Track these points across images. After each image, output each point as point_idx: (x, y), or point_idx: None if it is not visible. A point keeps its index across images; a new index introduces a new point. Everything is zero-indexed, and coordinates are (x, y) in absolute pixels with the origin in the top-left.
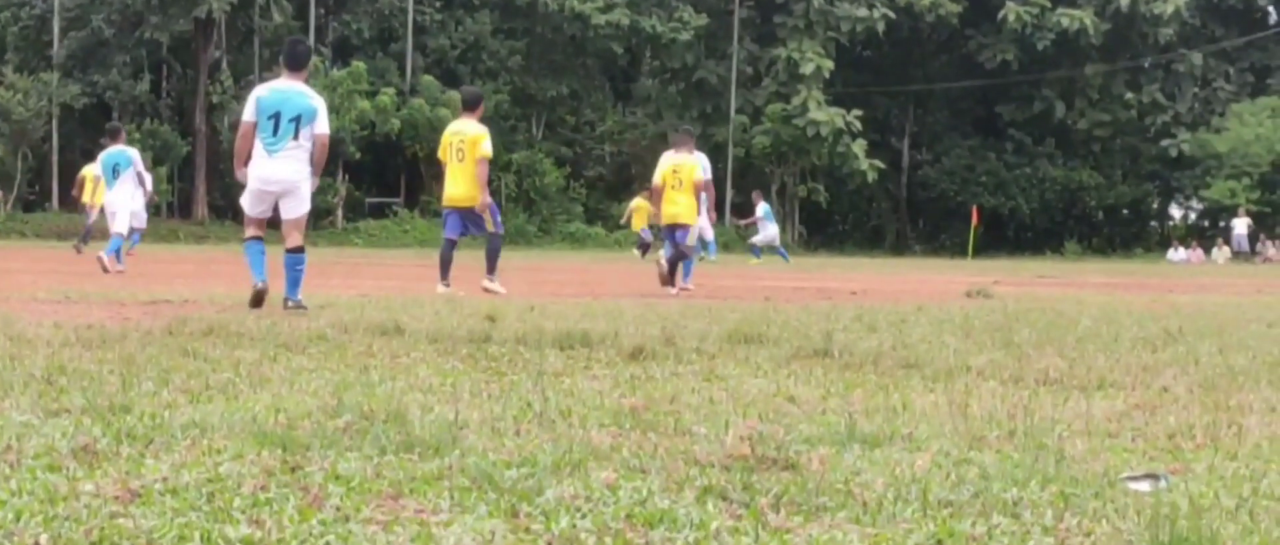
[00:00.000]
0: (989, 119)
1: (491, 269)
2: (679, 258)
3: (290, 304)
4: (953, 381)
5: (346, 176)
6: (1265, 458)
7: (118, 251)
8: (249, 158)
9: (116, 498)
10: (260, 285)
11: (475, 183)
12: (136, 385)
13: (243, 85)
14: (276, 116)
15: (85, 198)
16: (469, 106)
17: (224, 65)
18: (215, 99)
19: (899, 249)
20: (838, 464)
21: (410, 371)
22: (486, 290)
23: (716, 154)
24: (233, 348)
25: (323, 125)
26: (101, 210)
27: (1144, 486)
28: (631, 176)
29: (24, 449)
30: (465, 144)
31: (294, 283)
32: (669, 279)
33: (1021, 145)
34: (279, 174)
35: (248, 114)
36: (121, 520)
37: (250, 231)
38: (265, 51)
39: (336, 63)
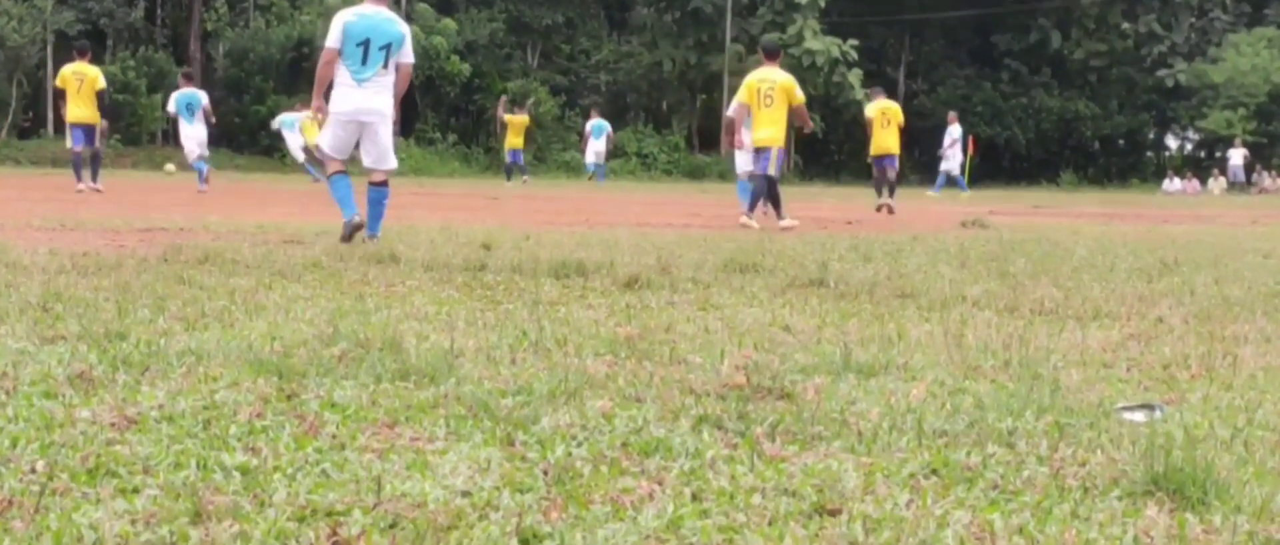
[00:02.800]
0: (985, 49)
1: (752, 207)
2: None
3: (369, 238)
4: (948, 311)
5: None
6: (1260, 388)
7: (203, 174)
8: (329, 88)
9: (113, 424)
10: (356, 219)
11: (782, 125)
12: (132, 313)
13: (237, 12)
14: (366, 44)
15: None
16: (771, 55)
17: None
18: (210, 27)
19: (897, 179)
20: (833, 393)
21: (406, 300)
22: (743, 225)
23: (712, 83)
24: (228, 276)
25: (409, 54)
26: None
27: (1139, 417)
28: (627, 105)
29: (20, 376)
30: (775, 90)
31: (377, 218)
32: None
33: (1017, 75)
34: (369, 104)
35: (332, 40)
36: (118, 447)
37: (334, 167)
38: None
39: None
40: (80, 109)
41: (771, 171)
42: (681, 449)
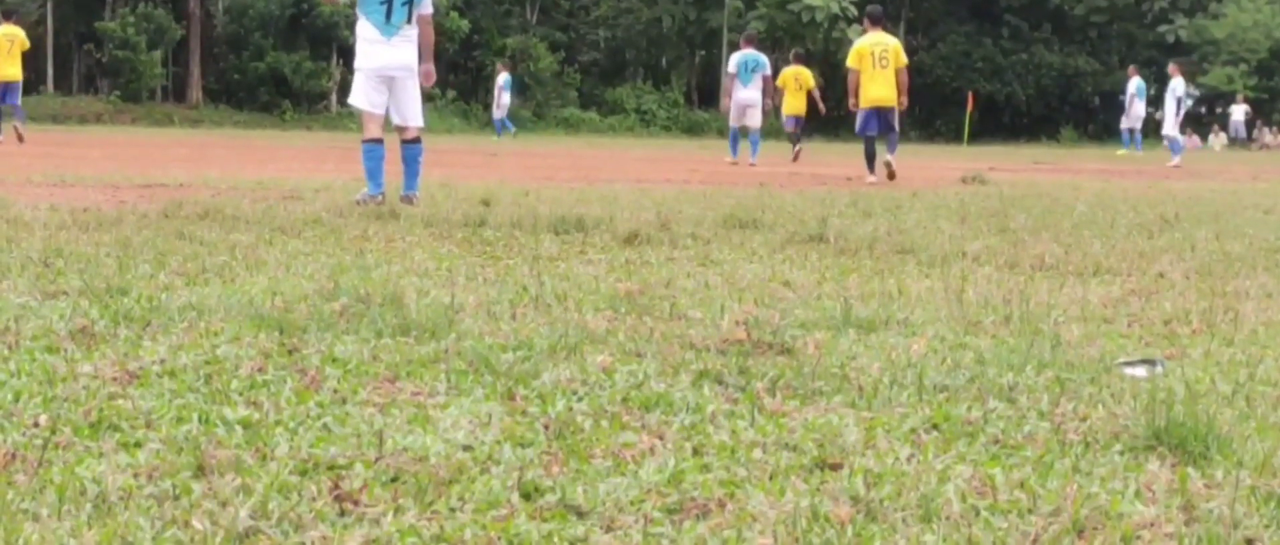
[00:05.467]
0: (985, 4)
1: (872, 167)
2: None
3: (407, 197)
4: (948, 267)
5: (340, 60)
6: (1261, 343)
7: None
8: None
9: (114, 379)
10: (379, 197)
11: (895, 87)
12: (133, 268)
13: None
14: (389, 1)
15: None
16: (877, 21)
17: None
18: None
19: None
20: (833, 348)
21: (406, 256)
22: (870, 183)
23: (711, 40)
24: (229, 231)
25: (428, 4)
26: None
27: (1140, 372)
28: (626, 61)
29: (22, 331)
30: (889, 53)
31: (414, 175)
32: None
33: (1018, 31)
34: (398, 59)
35: None
36: (120, 401)
37: (372, 131)
38: None
39: None
40: (10, 68)
41: (895, 125)
42: (682, 404)
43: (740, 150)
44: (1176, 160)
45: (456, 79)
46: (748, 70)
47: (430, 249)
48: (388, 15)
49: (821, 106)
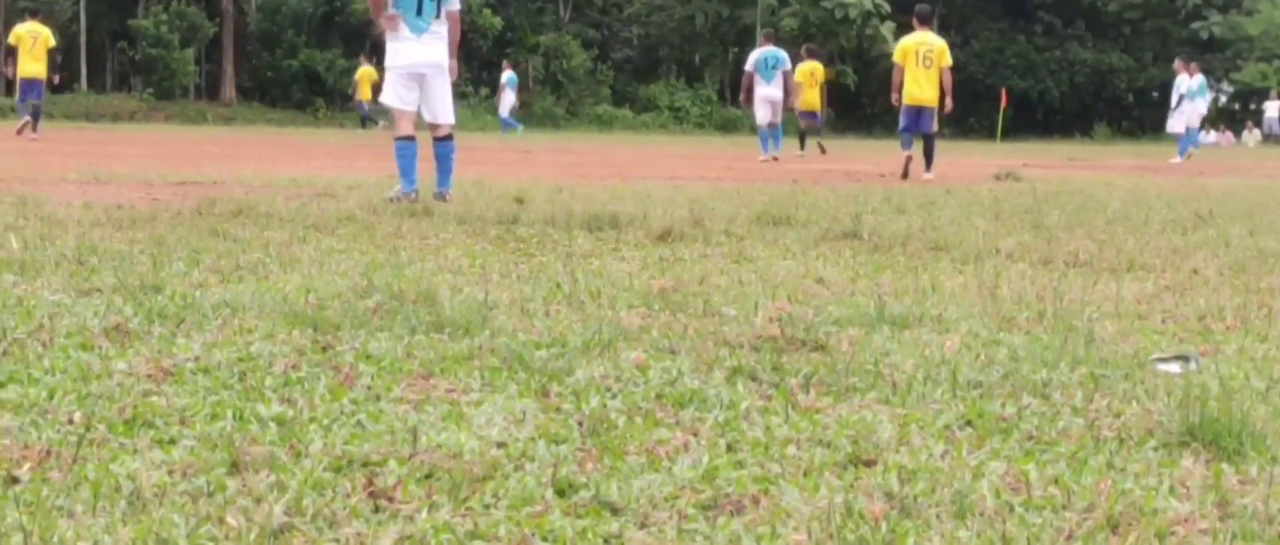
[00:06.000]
0: (1019, 1)
1: (929, 166)
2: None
3: (440, 194)
4: (982, 263)
5: (375, 59)
6: None
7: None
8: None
9: (149, 376)
10: (412, 194)
11: (937, 86)
12: (167, 265)
13: None
14: None
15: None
16: (924, 20)
17: None
18: None
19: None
20: (867, 345)
21: (439, 253)
22: (927, 180)
23: (745, 37)
24: (262, 228)
25: (457, 1)
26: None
27: (1174, 368)
28: (659, 58)
29: (56, 328)
30: (933, 53)
31: (447, 172)
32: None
33: (1051, 27)
34: (429, 56)
35: None
36: (154, 398)
37: (405, 129)
38: None
39: None
40: (34, 65)
41: (934, 128)
42: (716, 400)
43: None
44: (1180, 158)
45: (489, 77)
46: (768, 67)
47: (464, 246)
48: (418, 10)
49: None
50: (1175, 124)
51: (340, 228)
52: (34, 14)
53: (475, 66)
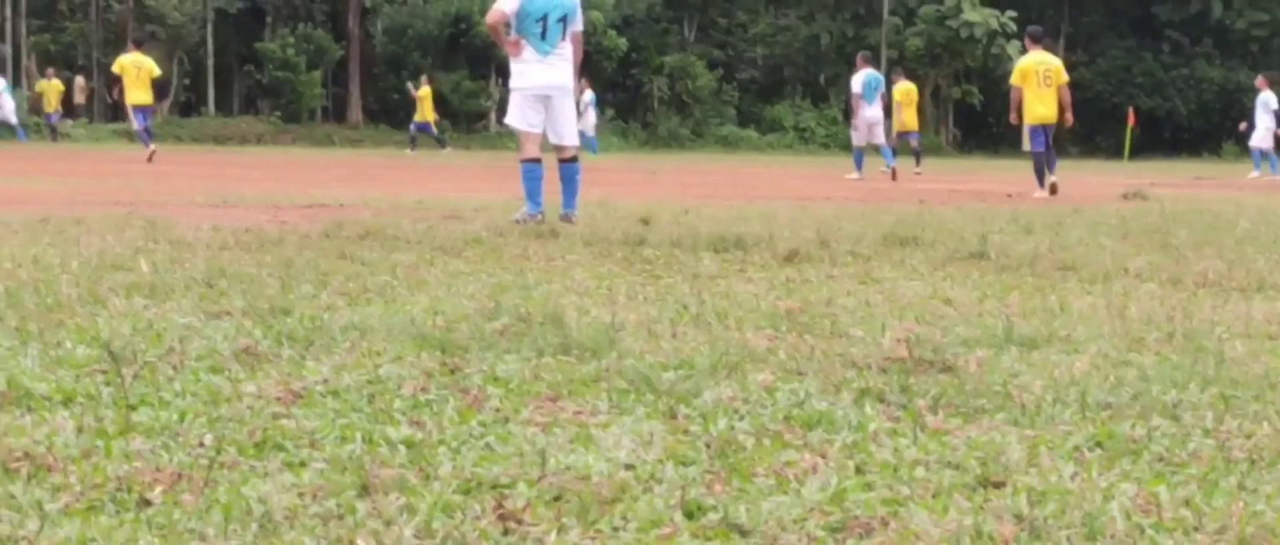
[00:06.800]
0: (1145, 19)
1: (1042, 181)
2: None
3: (566, 215)
4: (1110, 283)
5: (499, 80)
6: None
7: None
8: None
9: (278, 399)
10: (539, 216)
11: (1059, 105)
12: (295, 288)
13: None
14: (545, 19)
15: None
16: (1037, 40)
17: None
18: (368, 3)
19: (1055, 150)
20: (995, 366)
21: (566, 274)
22: (1037, 198)
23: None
24: (390, 251)
25: (581, 21)
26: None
27: None
28: (784, 79)
29: (187, 351)
30: (1052, 72)
31: (573, 194)
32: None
33: (1178, 46)
34: (555, 78)
35: (507, 5)
36: (284, 421)
37: (531, 151)
38: None
39: None
40: (142, 93)
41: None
42: (844, 422)
43: (866, 165)
44: (1258, 173)
45: (614, 97)
46: (872, 90)
47: (590, 267)
48: (543, 34)
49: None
50: (1260, 139)
51: (467, 250)
52: (138, 44)
53: (601, 87)
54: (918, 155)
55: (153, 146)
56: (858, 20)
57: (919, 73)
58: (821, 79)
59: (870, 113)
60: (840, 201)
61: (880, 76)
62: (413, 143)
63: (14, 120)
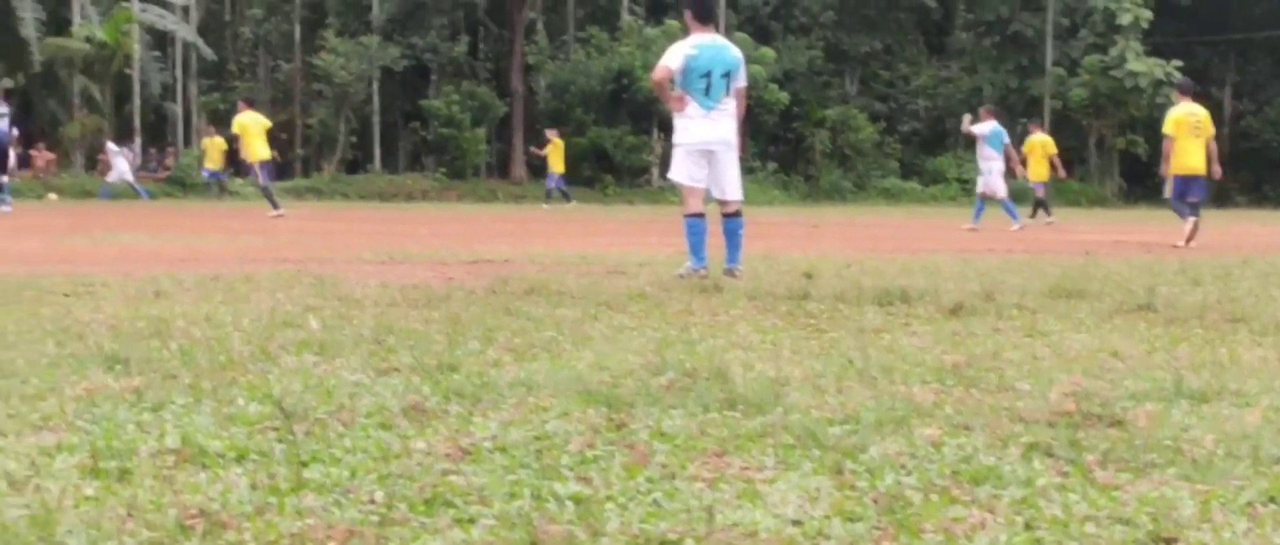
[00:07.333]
0: None
1: (1191, 236)
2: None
3: (730, 270)
4: None
5: (661, 134)
6: None
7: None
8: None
9: (447, 455)
10: (703, 271)
11: (1208, 156)
12: (462, 344)
13: (557, 46)
14: (709, 75)
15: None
16: (1187, 91)
17: (539, 26)
18: (531, 59)
19: (1221, 201)
20: (1165, 420)
21: (730, 329)
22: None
23: (1032, 107)
24: (554, 306)
25: (744, 77)
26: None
27: None
28: (945, 131)
29: (356, 407)
30: (1202, 123)
31: (737, 248)
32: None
33: None
34: (718, 134)
35: (671, 61)
36: (453, 477)
37: (695, 206)
38: (579, 11)
39: (650, 20)
40: (264, 148)
41: (1204, 196)
42: (1012, 477)
43: (983, 217)
44: None
45: (776, 150)
46: (1000, 141)
47: (754, 322)
48: (708, 90)
49: (1062, 172)
50: None
51: (631, 305)
52: (251, 104)
53: (763, 141)
54: (1045, 206)
55: (282, 209)
56: (1021, 71)
57: (1083, 123)
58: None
59: (999, 163)
60: (1003, 253)
61: (1003, 130)
62: (548, 196)
63: (132, 179)
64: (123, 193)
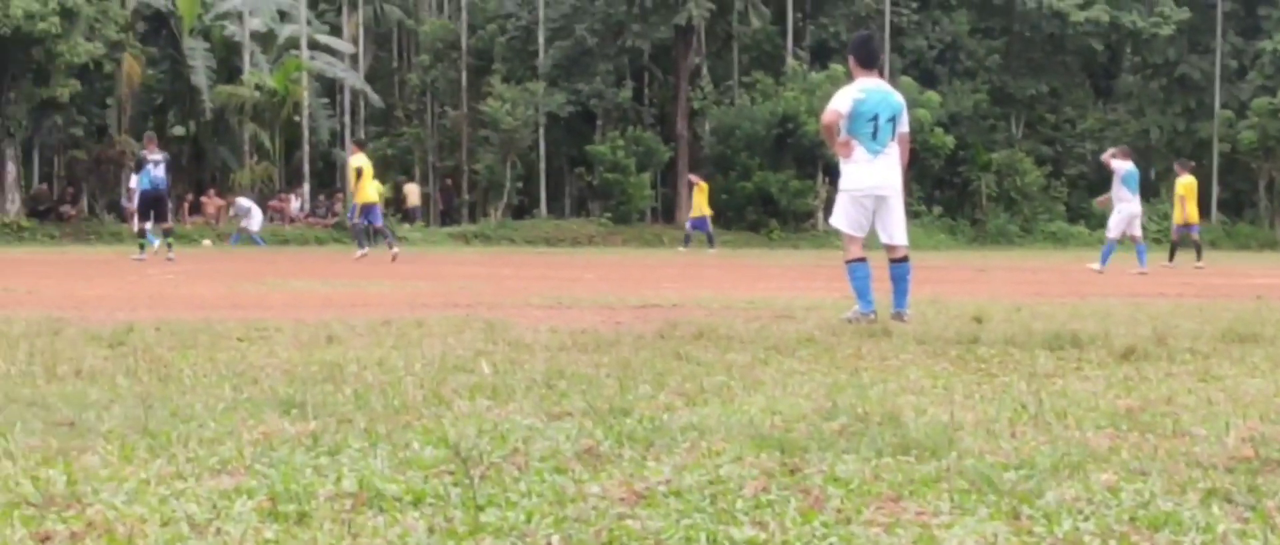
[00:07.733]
0: None
1: None
2: None
3: (898, 314)
4: None
5: (826, 179)
6: None
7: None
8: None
9: (622, 499)
10: (871, 315)
11: None
12: (633, 388)
13: (722, 91)
14: (876, 119)
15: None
16: None
17: (704, 71)
18: (696, 105)
19: None
20: None
21: (901, 373)
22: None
23: (1201, 150)
24: (724, 351)
25: (907, 123)
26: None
27: None
28: (1110, 173)
29: (530, 451)
30: None
31: (904, 293)
32: None
33: None
34: (884, 178)
35: (842, 105)
36: (629, 521)
37: (855, 252)
38: (744, 56)
39: (815, 66)
40: (376, 191)
41: None
42: (1191, 523)
43: (1110, 259)
44: None
45: (942, 194)
46: (1135, 182)
47: (924, 366)
48: (874, 134)
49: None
50: None
51: (800, 349)
52: (361, 146)
53: (928, 185)
54: (1198, 248)
55: (397, 247)
56: (1188, 114)
57: (1253, 166)
58: (1152, 173)
59: (1133, 206)
60: (1174, 297)
61: (1137, 171)
62: (687, 240)
63: (254, 230)
64: (245, 240)
